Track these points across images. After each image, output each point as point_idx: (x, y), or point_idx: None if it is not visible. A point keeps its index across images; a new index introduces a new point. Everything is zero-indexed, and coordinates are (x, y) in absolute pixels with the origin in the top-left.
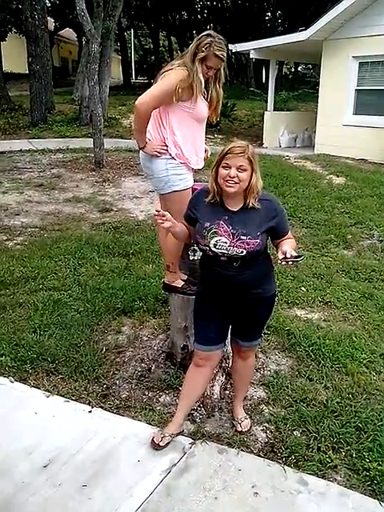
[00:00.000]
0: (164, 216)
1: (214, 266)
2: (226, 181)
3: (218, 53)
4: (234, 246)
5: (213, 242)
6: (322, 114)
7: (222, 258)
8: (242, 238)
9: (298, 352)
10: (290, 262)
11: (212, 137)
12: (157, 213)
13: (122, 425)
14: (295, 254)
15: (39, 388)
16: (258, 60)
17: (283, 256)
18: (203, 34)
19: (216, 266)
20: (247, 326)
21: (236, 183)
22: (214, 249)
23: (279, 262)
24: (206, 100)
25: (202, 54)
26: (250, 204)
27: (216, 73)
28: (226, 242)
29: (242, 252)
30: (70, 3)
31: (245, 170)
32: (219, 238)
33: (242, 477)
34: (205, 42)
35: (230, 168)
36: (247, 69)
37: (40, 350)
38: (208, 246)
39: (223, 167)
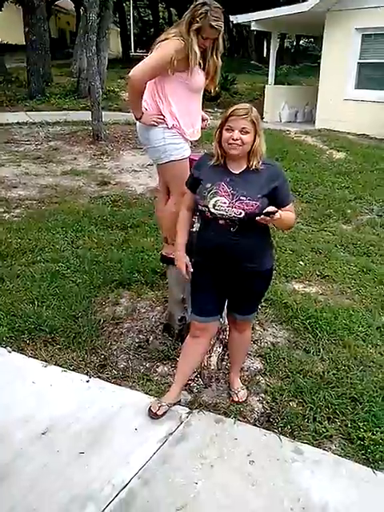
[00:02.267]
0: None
1: (211, 231)
2: (230, 144)
3: (213, 23)
4: (233, 207)
5: (212, 202)
6: (323, 89)
7: (220, 222)
8: (242, 198)
9: (295, 325)
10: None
11: (212, 111)
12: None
13: (119, 394)
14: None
15: (37, 358)
16: (260, 33)
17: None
18: (198, 2)
19: (213, 231)
20: (243, 299)
21: (239, 146)
22: (212, 210)
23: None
24: (203, 70)
25: (197, 24)
26: (253, 166)
27: (214, 42)
28: (225, 203)
29: (240, 213)
30: None
31: (248, 133)
32: (219, 198)
33: (238, 446)
34: (200, 11)
35: (233, 130)
36: (248, 41)
37: (38, 320)
38: (207, 206)
39: (226, 130)
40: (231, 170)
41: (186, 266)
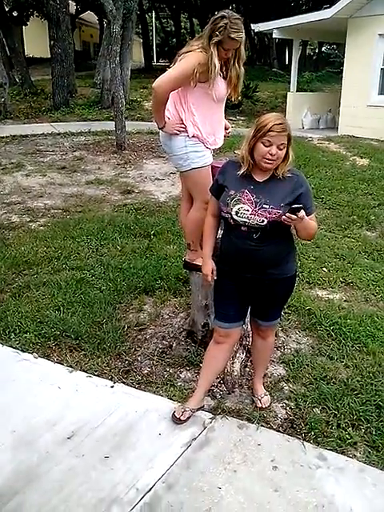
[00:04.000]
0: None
1: (233, 237)
2: (266, 158)
3: (233, 35)
4: (255, 215)
5: (235, 209)
6: (346, 95)
7: (242, 229)
8: (265, 206)
9: (319, 331)
10: (289, 215)
11: (234, 118)
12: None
13: (143, 399)
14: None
15: (62, 364)
16: (281, 40)
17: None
18: (217, 15)
19: (236, 237)
20: (266, 305)
21: (274, 161)
22: (235, 217)
23: (282, 219)
24: (226, 79)
25: (217, 37)
26: (279, 176)
27: (236, 51)
28: (247, 210)
29: (262, 221)
30: None
31: (284, 148)
32: (242, 205)
33: (261, 451)
34: (219, 25)
35: (272, 145)
36: (270, 50)
37: (63, 327)
38: (230, 213)
39: (263, 144)
40: (256, 178)
41: (212, 272)
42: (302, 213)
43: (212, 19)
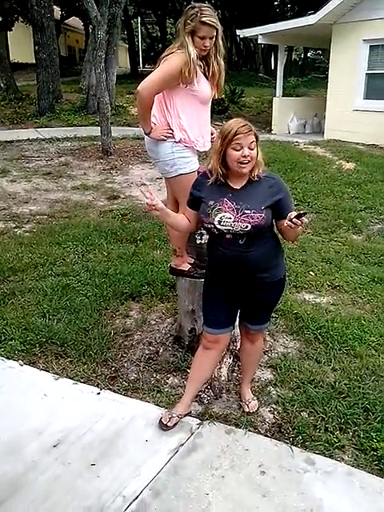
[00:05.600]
0: (154, 205)
1: (219, 246)
2: (240, 162)
3: (204, 19)
4: (238, 221)
5: (217, 218)
6: (331, 99)
7: (227, 236)
8: (246, 212)
9: (306, 335)
10: (295, 221)
11: (220, 124)
12: (149, 202)
13: (130, 406)
14: (296, 213)
15: (48, 371)
16: (267, 46)
17: (288, 220)
18: (188, 7)
19: (222, 245)
20: (256, 309)
21: (249, 162)
22: (218, 226)
23: (286, 225)
24: (208, 74)
25: (190, 26)
26: (255, 177)
27: (215, 44)
28: (230, 218)
29: (246, 227)
30: None
31: (255, 147)
32: (223, 214)
33: (249, 456)
34: (190, 13)
35: (243, 148)
36: (256, 55)
37: (49, 333)
38: (213, 223)
39: (234, 149)
40: (233, 186)
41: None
42: (306, 219)
43: (183, 12)
